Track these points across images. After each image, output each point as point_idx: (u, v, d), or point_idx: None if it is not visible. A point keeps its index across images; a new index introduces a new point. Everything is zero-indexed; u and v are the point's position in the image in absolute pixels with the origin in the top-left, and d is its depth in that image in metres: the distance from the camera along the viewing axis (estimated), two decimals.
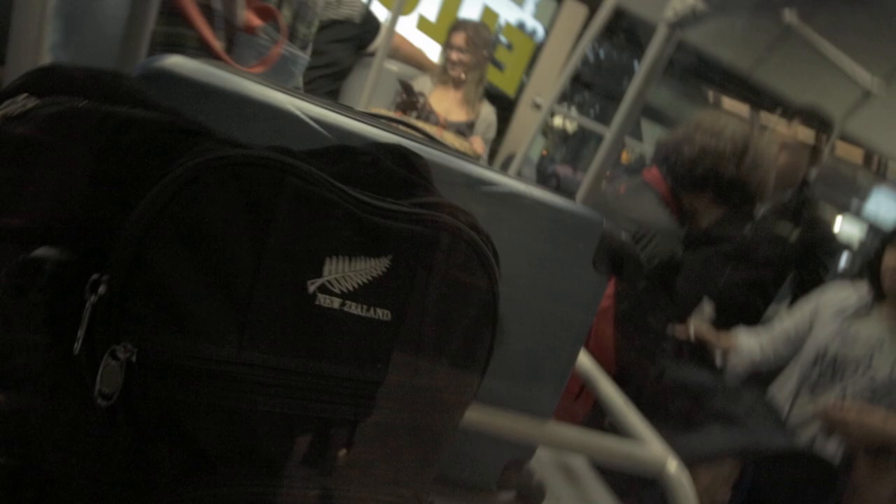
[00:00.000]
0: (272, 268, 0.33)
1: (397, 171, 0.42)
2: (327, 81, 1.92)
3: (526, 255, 0.61)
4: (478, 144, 2.69)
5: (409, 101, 2.53)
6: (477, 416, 0.59)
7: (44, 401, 0.33)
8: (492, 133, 2.88)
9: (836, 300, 1.73)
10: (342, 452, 0.37)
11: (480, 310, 0.42)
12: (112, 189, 0.32)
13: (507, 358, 0.63)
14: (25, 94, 0.35)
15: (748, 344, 1.77)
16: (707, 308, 1.74)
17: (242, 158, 0.32)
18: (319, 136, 0.55)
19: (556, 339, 0.66)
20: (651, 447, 0.69)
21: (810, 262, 1.99)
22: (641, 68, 0.87)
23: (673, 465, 0.67)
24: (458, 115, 2.76)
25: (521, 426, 0.65)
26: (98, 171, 0.32)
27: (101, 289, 0.30)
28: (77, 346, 0.30)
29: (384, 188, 0.39)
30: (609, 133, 0.93)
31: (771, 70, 3.64)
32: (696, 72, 3.84)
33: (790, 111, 2.08)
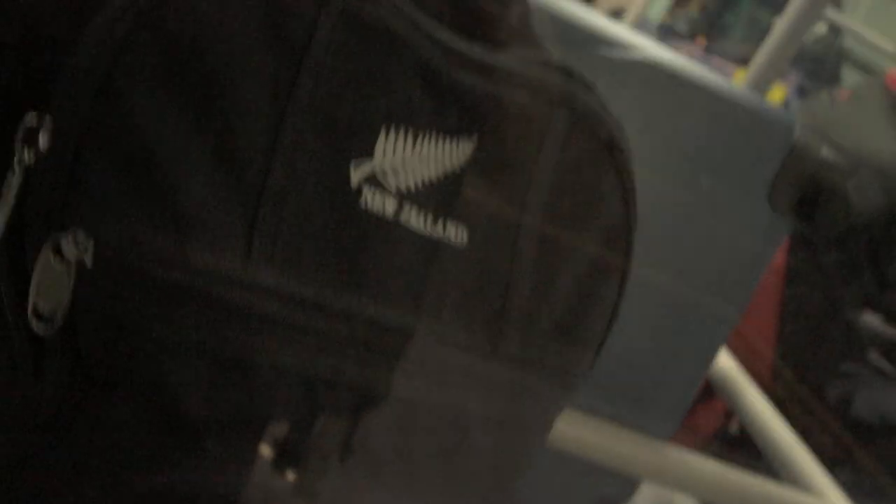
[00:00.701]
0: (300, 135, 0.28)
1: (486, 3, 0.34)
2: None
3: (663, 169, 0.49)
4: None
5: None
6: (565, 426, 0.45)
7: None
8: None
9: None
10: (377, 442, 0.32)
11: (607, 243, 0.35)
12: None
13: (615, 339, 0.47)
14: None
15: None
16: None
17: None
18: None
19: (692, 316, 0.54)
20: (828, 502, 0.58)
21: None
22: None
23: None
24: None
25: (630, 449, 0.54)
26: None
27: (42, 140, 0.25)
28: None
29: (467, 27, 0.32)
30: None
31: None
32: None
33: None
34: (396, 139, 0.30)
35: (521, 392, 0.34)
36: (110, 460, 0.28)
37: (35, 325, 0.26)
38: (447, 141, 0.31)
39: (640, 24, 1.91)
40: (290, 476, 0.31)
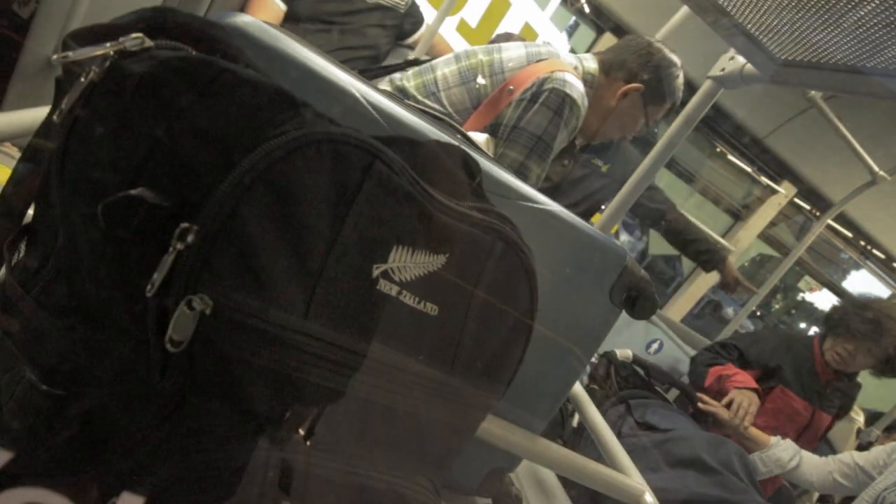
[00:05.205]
0: (346, 246, 0.33)
1: (456, 173, 0.42)
2: (363, 63, 1.84)
3: (549, 274, 0.61)
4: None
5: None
6: None
7: (99, 336, 0.32)
8: None
9: None
10: (375, 433, 0.37)
11: (519, 319, 0.42)
12: (216, 143, 0.31)
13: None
14: (140, 33, 0.33)
15: (782, 456, 1.67)
16: None
17: (342, 137, 0.32)
18: (374, 123, 0.54)
19: (562, 359, 0.67)
20: (632, 479, 0.73)
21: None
22: (680, 117, 0.88)
23: (649, 498, 0.70)
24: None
25: (517, 438, 0.65)
26: (206, 123, 0.31)
27: (190, 237, 0.29)
28: (151, 290, 0.29)
29: (445, 187, 0.39)
30: (639, 172, 0.90)
31: (783, 138, 3.65)
32: (710, 123, 3.83)
33: None
34: (403, 252, 0.35)
35: (461, 407, 0.42)
36: (201, 439, 0.31)
37: (169, 347, 0.29)
38: (431, 254, 0.36)
39: None
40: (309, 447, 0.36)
